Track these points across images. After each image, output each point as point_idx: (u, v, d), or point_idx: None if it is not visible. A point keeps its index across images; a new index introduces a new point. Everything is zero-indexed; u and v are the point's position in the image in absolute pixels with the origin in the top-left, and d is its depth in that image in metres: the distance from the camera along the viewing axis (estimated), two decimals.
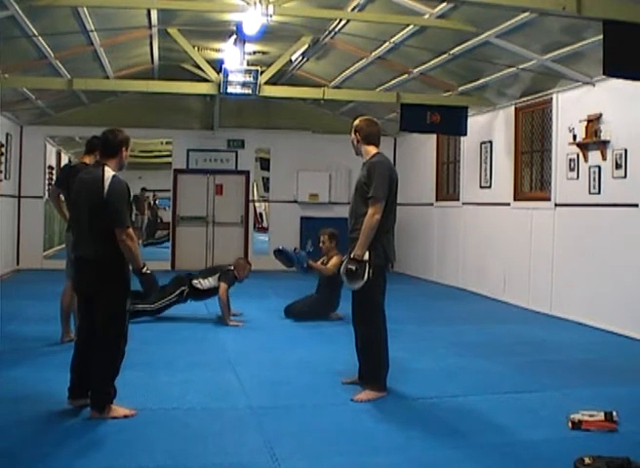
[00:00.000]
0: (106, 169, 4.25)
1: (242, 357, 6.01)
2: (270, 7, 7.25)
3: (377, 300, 4.80)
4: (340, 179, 13.52)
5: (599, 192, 7.74)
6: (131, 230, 4.16)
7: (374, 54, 9.20)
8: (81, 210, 4.31)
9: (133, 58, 10.55)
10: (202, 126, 13.48)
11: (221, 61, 9.91)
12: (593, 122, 7.78)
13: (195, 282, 7.53)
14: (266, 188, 17.02)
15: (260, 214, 20.32)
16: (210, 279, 7.55)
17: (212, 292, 7.58)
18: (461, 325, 7.93)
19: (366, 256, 4.63)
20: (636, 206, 7.16)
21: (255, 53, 10.38)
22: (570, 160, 8.25)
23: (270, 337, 6.93)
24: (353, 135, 4.96)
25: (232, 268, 7.66)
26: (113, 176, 4.21)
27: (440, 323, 8.03)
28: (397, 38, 8.29)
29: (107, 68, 10.03)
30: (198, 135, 13.37)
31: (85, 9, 7.28)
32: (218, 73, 9.33)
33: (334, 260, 7.63)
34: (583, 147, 7.96)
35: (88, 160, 6.02)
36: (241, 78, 9.15)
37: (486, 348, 6.54)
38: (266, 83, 9.51)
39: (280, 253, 8.10)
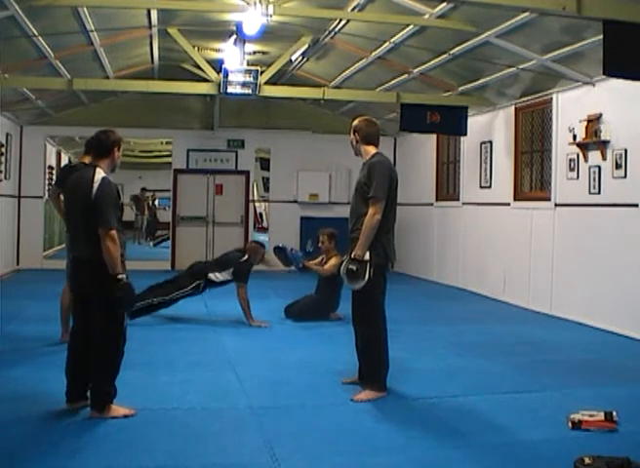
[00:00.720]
0: (98, 170, 4.26)
1: (242, 357, 6.01)
2: (270, 7, 7.25)
3: (377, 300, 4.80)
4: (340, 179, 13.52)
5: (599, 192, 7.74)
6: (114, 232, 4.12)
7: (374, 54, 9.20)
8: (75, 211, 4.33)
9: (133, 58, 10.54)
10: (202, 126, 13.48)
11: (221, 61, 9.90)
12: (593, 122, 7.78)
13: (211, 275, 7.59)
14: (266, 188, 17.03)
15: (260, 214, 20.32)
16: (224, 273, 7.57)
17: (226, 283, 7.67)
18: (461, 325, 7.93)
19: (366, 257, 4.64)
20: (636, 206, 7.16)
21: (255, 53, 10.38)
22: (570, 160, 8.25)
23: (270, 337, 6.92)
24: (352, 135, 4.95)
25: (245, 259, 7.64)
26: (103, 178, 4.22)
27: (440, 323, 8.03)
28: (397, 38, 8.29)
29: (107, 68, 10.03)
30: (198, 135, 13.36)
31: (85, 9, 7.28)
32: (218, 73, 9.32)
33: (332, 261, 7.62)
34: (583, 147, 7.96)
35: (88, 160, 5.99)
36: (241, 78, 9.15)
37: (486, 348, 6.54)
38: (266, 83, 9.51)
39: (280, 251, 8.08)
